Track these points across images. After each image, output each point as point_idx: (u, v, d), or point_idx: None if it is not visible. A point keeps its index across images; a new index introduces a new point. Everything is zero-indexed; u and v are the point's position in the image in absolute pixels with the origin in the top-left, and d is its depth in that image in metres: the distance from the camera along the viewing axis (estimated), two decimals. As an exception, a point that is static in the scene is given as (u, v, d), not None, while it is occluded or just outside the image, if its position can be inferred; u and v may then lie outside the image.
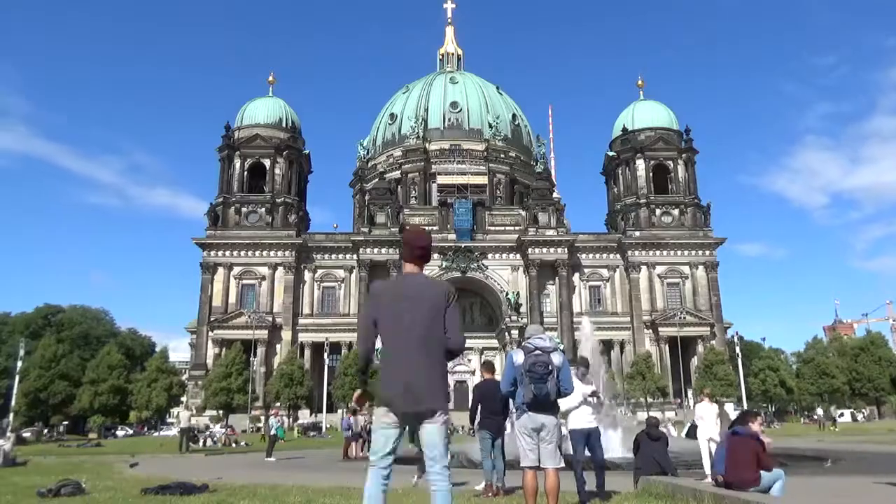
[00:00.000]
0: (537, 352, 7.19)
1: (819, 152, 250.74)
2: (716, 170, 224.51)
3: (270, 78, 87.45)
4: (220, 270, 75.58)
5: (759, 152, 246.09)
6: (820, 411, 59.32)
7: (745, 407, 68.69)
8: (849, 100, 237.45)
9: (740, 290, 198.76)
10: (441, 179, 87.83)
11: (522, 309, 76.87)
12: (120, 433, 65.72)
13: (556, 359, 7.16)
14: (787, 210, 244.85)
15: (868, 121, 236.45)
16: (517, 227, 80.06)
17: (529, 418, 7.15)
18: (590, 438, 9.55)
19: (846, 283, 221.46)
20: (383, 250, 76.40)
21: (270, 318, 74.49)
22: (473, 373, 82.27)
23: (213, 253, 75.81)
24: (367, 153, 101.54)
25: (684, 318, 75.34)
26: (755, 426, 8.79)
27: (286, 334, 74.71)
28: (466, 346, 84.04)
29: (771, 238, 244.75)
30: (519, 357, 7.27)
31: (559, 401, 7.45)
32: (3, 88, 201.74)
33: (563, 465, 7.45)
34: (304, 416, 67.76)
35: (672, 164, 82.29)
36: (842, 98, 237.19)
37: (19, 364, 58.82)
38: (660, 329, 75.78)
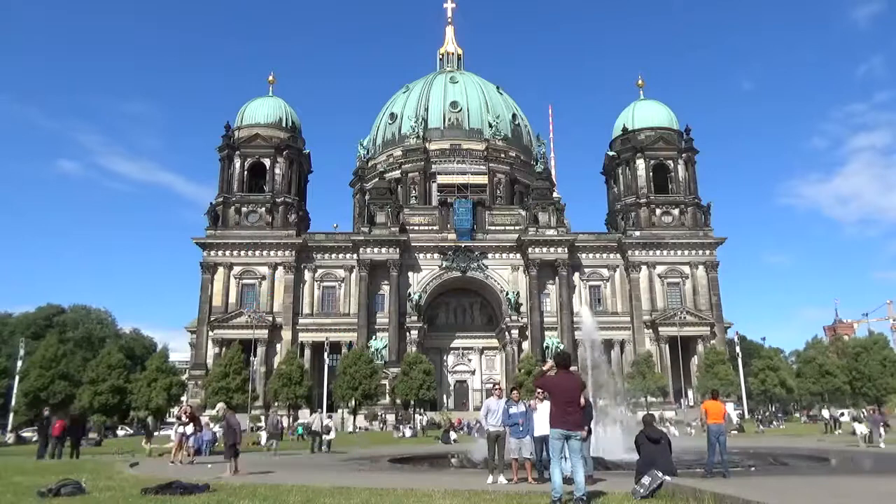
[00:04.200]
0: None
1: (853, 176, 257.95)
2: (742, 180, 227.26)
3: (270, 78, 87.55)
4: (220, 270, 75.60)
5: (794, 167, 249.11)
6: (825, 413, 57.26)
7: (745, 406, 68.73)
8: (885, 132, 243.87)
9: (741, 291, 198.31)
10: (441, 179, 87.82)
11: (522, 308, 76.88)
12: (120, 433, 65.65)
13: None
14: (819, 223, 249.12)
15: None
16: (517, 227, 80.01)
17: None
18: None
19: (852, 287, 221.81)
20: (383, 250, 76.42)
21: (270, 318, 74.47)
22: (473, 372, 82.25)
23: (213, 253, 75.81)
24: (368, 153, 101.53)
25: (684, 317, 75.34)
26: None
27: (286, 334, 74.71)
28: (466, 345, 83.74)
29: (799, 247, 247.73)
30: None
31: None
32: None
33: None
34: (304, 415, 67.64)
35: (672, 164, 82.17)
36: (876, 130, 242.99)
37: (19, 364, 58.92)
38: (660, 329, 75.73)
